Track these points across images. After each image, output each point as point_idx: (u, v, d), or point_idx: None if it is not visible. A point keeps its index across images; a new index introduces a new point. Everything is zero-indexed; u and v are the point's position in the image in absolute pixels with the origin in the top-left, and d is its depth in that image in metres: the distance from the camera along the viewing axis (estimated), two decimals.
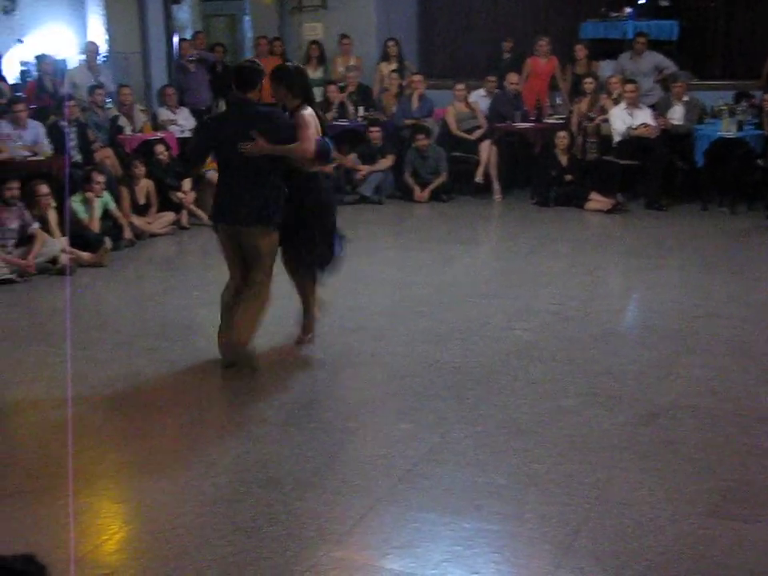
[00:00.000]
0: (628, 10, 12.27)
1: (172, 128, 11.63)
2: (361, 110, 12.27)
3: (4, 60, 12.95)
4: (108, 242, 9.05)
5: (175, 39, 13.03)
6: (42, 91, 11.40)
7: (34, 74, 12.82)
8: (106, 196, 9.42)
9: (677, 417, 5.11)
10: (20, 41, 14.32)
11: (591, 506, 4.16)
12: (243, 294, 5.94)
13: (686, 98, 11.04)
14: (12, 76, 13.43)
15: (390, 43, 12.97)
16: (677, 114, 11.02)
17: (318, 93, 12.57)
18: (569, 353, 6.18)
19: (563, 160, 10.93)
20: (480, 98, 12.27)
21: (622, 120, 10.80)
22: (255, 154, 5.66)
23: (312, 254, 6.07)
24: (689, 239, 9.43)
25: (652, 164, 10.62)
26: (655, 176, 10.68)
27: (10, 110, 9.84)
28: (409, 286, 7.88)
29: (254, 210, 5.75)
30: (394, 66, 12.86)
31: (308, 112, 5.85)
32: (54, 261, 8.54)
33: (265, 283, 5.92)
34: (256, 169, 5.73)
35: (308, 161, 5.85)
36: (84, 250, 8.78)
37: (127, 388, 5.75)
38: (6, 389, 5.94)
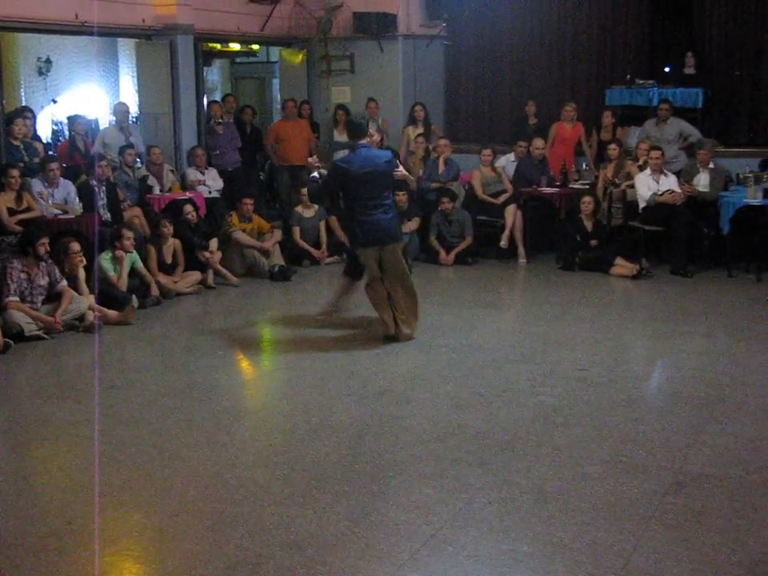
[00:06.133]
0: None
1: (200, 188, 11.77)
2: None
3: (38, 119, 13.17)
4: (135, 301, 9.12)
5: (205, 101, 13.26)
6: (73, 150, 11.57)
7: (66, 133, 13.03)
8: (134, 254, 9.51)
9: (704, 486, 5.06)
10: (54, 101, 14.59)
11: None
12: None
13: (711, 165, 11.07)
14: (45, 135, 13.66)
15: (417, 107, 13.14)
16: (702, 181, 11.03)
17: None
18: (593, 419, 6.14)
19: (588, 225, 10.96)
20: (510, 163, 12.36)
21: (647, 186, 10.84)
22: None
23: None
24: (715, 306, 9.39)
25: (677, 230, 10.63)
26: (680, 242, 10.67)
27: (43, 169, 10.00)
28: (433, 349, 7.88)
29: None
30: (420, 129, 13.01)
31: None
32: (81, 318, 8.62)
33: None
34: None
35: None
36: (111, 308, 8.85)
37: (151, 448, 5.75)
38: (31, 445, 5.98)
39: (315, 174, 7.88)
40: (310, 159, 8.03)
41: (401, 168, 8.29)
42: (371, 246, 7.87)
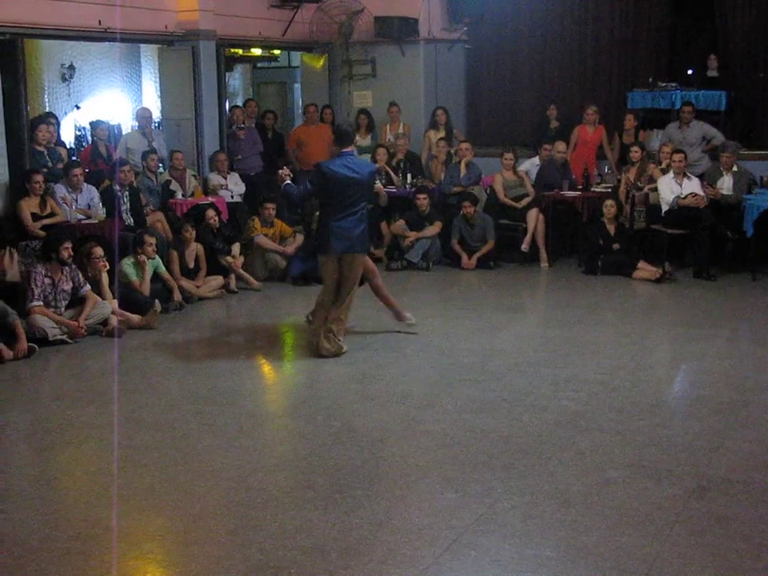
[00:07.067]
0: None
1: (222, 193, 11.82)
2: (408, 177, 12.38)
3: (62, 125, 13.24)
4: (157, 305, 9.16)
5: (227, 106, 13.29)
6: (95, 156, 11.63)
7: (89, 138, 13.10)
8: (156, 259, 9.55)
9: (728, 491, 5.02)
10: (77, 107, 14.66)
11: None
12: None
13: (734, 168, 11.03)
14: (68, 141, 13.73)
15: (439, 111, 13.14)
16: (726, 184, 10.99)
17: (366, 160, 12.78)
18: (616, 423, 6.12)
19: (611, 229, 10.93)
20: (534, 167, 12.33)
21: (670, 189, 10.80)
22: None
23: None
24: (738, 309, 9.34)
25: (700, 233, 10.58)
26: (703, 245, 10.62)
27: (67, 174, 10.07)
28: (455, 353, 7.87)
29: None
30: (442, 133, 13.01)
31: None
32: (104, 323, 8.66)
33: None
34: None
35: None
36: (133, 313, 8.90)
37: (174, 452, 5.77)
38: (55, 449, 6.00)
39: (289, 182, 7.94)
40: (280, 171, 8.06)
41: (378, 183, 8.69)
42: (338, 253, 7.74)
